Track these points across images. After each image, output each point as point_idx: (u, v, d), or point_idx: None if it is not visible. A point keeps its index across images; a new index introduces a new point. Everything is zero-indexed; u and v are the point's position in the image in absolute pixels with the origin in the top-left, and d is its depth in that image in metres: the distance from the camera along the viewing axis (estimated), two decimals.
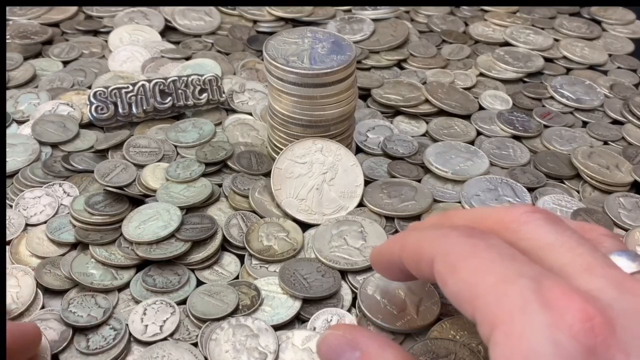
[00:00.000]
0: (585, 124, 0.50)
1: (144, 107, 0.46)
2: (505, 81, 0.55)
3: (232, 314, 0.33)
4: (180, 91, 0.47)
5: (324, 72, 0.38)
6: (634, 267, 0.23)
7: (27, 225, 0.38)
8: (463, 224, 0.26)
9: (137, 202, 0.39)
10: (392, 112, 0.50)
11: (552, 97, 0.53)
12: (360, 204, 0.40)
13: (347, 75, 0.39)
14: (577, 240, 0.23)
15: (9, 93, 0.49)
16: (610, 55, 0.59)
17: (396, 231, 0.39)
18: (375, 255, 0.31)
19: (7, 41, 0.55)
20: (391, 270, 0.30)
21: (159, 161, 0.43)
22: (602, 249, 0.24)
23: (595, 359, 0.19)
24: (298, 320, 0.34)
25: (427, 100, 0.50)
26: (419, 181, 0.43)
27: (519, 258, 0.22)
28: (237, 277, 0.36)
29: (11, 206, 0.39)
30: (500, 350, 0.20)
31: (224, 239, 0.38)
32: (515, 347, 0.19)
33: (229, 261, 0.37)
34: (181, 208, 0.39)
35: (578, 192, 0.43)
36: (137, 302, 0.34)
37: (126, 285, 0.35)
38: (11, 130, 0.46)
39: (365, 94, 0.51)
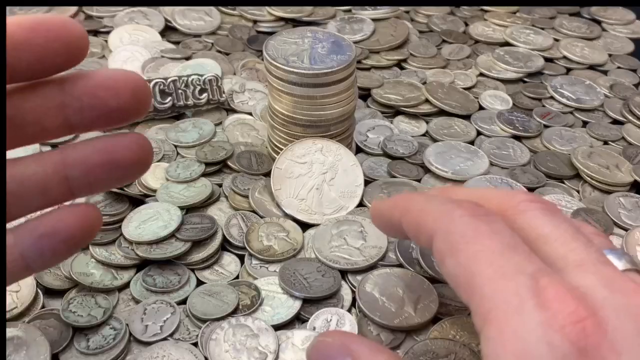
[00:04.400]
0: (585, 124, 0.50)
1: None
2: (505, 81, 0.55)
3: (232, 313, 0.33)
4: (180, 91, 0.47)
5: (324, 72, 0.38)
6: (621, 265, 0.23)
7: None
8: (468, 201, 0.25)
9: (137, 202, 0.39)
10: (392, 112, 0.50)
11: (552, 97, 0.53)
12: (361, 204, 0.40)
13: (347, 75, 0.39)
14: (572, 235, 0.23)
15: None
16: (610, 55, 0.59)
17: None
18: (375, 210, 0.30)
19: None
20: (389, 228, 0.30)
21: (159, 161, 0.43)
22: None
23: (587, 359, 0.19)
24: (298, 320, 0.34)
25: (427, 100, 0.50)
26: (419, 181, 0.43)
27: (520, 249, 0.22)
28: (237, 277, 0.36)
29: None
30: (492, 346, 0.20)
31: (224, 239, 0.38)
32: (509, 345, 0.20)
33: (229, 261, 0.37)
34: (181, 208, 0.39)
35: (578, 192, 0.43)
36: (137, 302, 0.34)
37: (126, 285, 0.35)
38: None
39: (365, 94, 0.51)
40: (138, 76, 0.23)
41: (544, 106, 0.52)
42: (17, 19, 0.22)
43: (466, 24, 0.63)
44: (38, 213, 0.25)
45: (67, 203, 0.25)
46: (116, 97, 0.23)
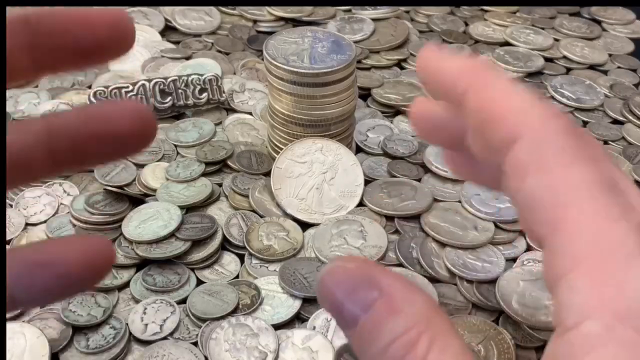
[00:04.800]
0: (585, 123, 0.50)
1: None
2: None
3: (232, 313, 0.33)
4: (180, 91, 0.47)
5: (324, 71, 0.38)
6: None
7: (27, 224, 0.38)
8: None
9: (137, 201, 0.39)
10: (392, 111, 0.50)
11: (552, 97, 0.52)
12: (361, 204, 0.40)
13: (347, 74, 0.39)
14: None
15: (9, 93, 0.49)
16: (610, 55, 0.59)
17: (396, 231, 0.39)
18: (429, 63, 0.22)
19: None
20: (438, 91, 0.22)
21: (159, 161, 0.43)
22: None
23: None
24: (298, 319, 0.34)
25: None
26: (419, 181, 0.43)
27: (621, 196, 0.18)
28: (237, 277, 0.36)
29: (11, 205, 0.39)
30: (582, 299, 0.16)
31: (224, 239, 0.38)
32: (609, 302, 0.16)
33: (229, 260, 0.37)
34: (181, 207, 0.39)
35: None
36: (137, 301, 0.34)
37: (126, 285, 0.35)
38: None
39: (365, 94, 0.51)
40: (118, 11, 0.20)
41: None
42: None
43: (466, 24, 0.63)
44: (36, 239, 0.22)
45: (73, 234, 0.22)
46: (91, 34, 0.19)
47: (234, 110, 0.49)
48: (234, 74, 0.53)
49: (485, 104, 0.19)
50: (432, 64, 0.22)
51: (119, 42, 0.20)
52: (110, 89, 0.45)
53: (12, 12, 0.19)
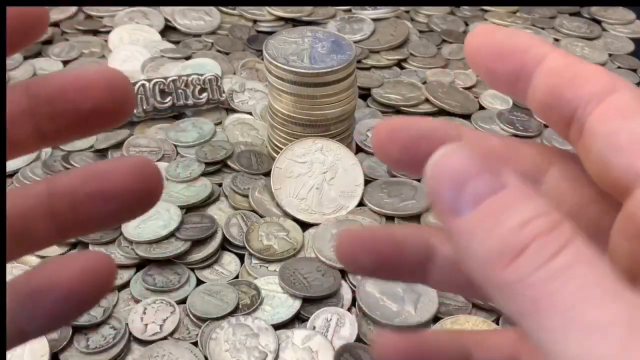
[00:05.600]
0: None
1: (144, 107, 0.46)
2: None
3: (232, 313, 0.33)
4: (180, 91, 0.47)
5: (324, 71, 0.38)
6: None
7: None
8: None
9: None
10: (392, 111, 0.50)
11: None
12: (361, 204, 0.40)
13: (347, 74, 0.39)
14: None
15: None
16: (610, 55, 0.59)
17: None
18: (490, 34, 0.21)
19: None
20: (496, 65, 0.20)
21: (158, 160, 0.43)
22: None
23: None
24: (298, 319, 0.34)
25: (427, 100, 0.50)
26: (419, 181, 0.43)
27: None
28: (237, 277, 0.36)
29: None
30: None
31: (224, 239, 0.38)
32: None
33: (229, 260, 0.37)
34: (181, 207, 0.39)
35: None
36: (137, 301, 0.34)
37: (126, 285, 0.35)
38: None
39: (365, 94, 0.51)
40: (114, 71, 0.19)
41: None
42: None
43: (466, 24, 0.63)
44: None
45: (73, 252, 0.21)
46: (89, 98, 0.18)
47: (234, 110, 0.49)
48: (234, 74, 0.53)
49: (571, 63, 0.18)
50: (490, 36, 0.21)
51: (120, 104, 0.19)
52: None
53: (13, 83, 0.19)
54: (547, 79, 0.18)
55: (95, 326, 0.32)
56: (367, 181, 0.42)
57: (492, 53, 0.20)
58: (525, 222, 0.15)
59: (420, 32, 0.61)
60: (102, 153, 0.44)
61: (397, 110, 0.50)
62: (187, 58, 0.54)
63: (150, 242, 0.36)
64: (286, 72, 0.39)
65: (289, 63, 0.39)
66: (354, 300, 0.35)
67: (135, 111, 0.46)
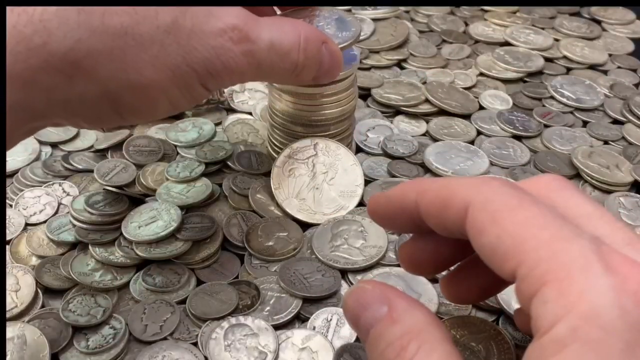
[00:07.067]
0: (585, 123, 0.50)
1: None
2: (505, 81, 0.55)
3: (232, 313, 0.33)
4: None
5: None
6: None
7: (27, 224, 0.38)
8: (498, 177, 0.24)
9: (137, 201, 0.39)
10: (392, 111, 0.50)
11: (552, 97, 0.53)
12: (360, 204, 0.40)
13: (347, 74, 0.39)
14: (611, 215, 0.23)
15: None
16: (610, 55, 0.59)
17: None
18: (378, 201, 0.28)
19: None
20: (396, 218, 0.27)
21: (159, 161, 0.43)
22: None
23: None
24: (298, 319, 0.34)
25: (427, 100, 0.50)
26: None
27: (568, 219, 0.21)
28: (237, 277, 0.36)
29: (11, 206, 0.39)
30: (550, 308, 0.19)
31: (224, 239, 0.38)
32: (573, 307, 0.18)
33: (229, 260, 0.37)
34: (181, 208, 0.39)
35: None
36: (137, 301, 0.34)
37: (126, 285, 0.35)
38: None
39: (365, 94, 0.51)
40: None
41: (544, 106, 0.52)
42: None
43: (466, 24, 0.63)
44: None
45: None
46: None
47: (234, 110, 0.49)
48: None
49: (433, 199, 0.24)
50: (378, 203, 0.27)
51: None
52: None
53: None
54: (426, 217, 0.25)
55: (95, 326, 0.32)
56: (367, 181, 0.42)
57: (383, 213, 0.27)
58: (385, 348, 0.22)
59: (420, 32, 0.61)
60: (102, 153, 0.44)
61: (397, 111, 0.50)
62: None
63: (150, 242, 0.36)
64: None
65: None
66: None
67: None
